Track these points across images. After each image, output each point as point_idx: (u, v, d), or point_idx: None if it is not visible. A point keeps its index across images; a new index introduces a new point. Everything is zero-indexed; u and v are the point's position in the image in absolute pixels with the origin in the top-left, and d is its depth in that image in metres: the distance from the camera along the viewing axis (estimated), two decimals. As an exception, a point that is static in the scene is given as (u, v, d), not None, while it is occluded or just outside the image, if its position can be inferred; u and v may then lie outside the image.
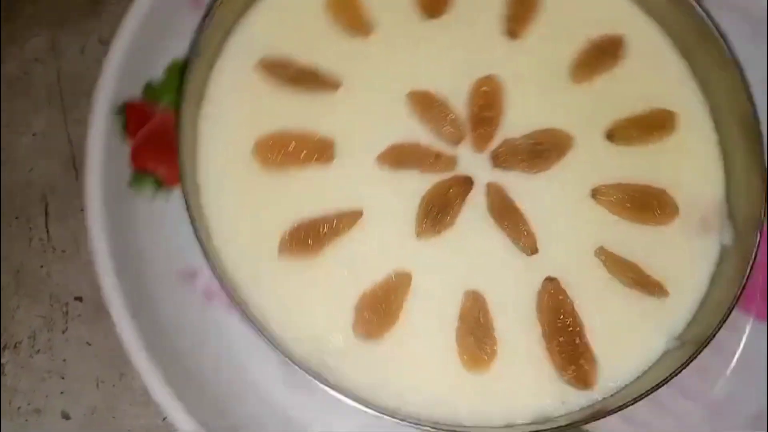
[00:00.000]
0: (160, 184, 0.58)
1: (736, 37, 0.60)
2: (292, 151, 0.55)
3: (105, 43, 0.60)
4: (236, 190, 0.55)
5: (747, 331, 0.60)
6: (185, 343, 0.55)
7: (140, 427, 0.59)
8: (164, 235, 0.57)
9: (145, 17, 0.57)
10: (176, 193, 0.58)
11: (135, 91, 0.58)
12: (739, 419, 0.58)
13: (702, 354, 0.53)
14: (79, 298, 0.60)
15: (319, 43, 0.57)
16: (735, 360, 0.59)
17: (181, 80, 0.55)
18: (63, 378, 0.60)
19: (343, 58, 0.57)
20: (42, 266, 0.61)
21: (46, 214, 0.62)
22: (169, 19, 0.59)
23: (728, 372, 0.59)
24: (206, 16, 0.57)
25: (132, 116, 0.58)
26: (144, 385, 0.52)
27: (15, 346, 0.60)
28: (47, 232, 0.62)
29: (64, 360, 0.60)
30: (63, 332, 0.60)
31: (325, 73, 0.57)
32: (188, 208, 0.52)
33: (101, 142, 0.56)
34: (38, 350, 0.60)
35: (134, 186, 0.58)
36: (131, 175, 0.58)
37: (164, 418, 0.58)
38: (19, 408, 0.59)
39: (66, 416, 0.59)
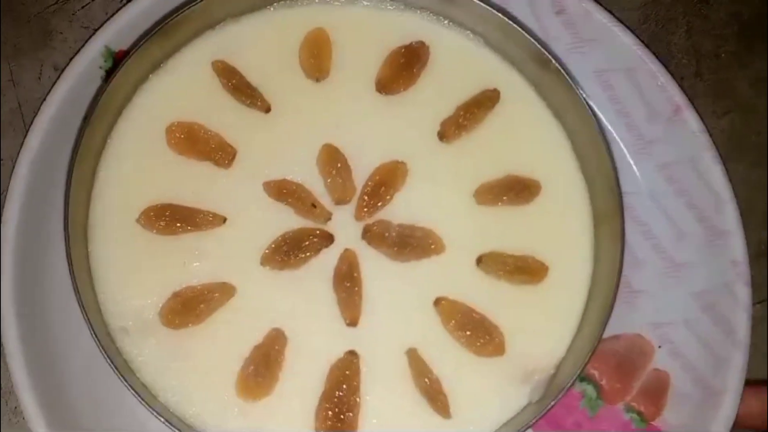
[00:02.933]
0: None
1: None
2: (200, 142, 0.60)
3: (59, 69, 0.67)
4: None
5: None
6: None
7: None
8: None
9: None
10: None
11: None
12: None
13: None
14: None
15: (273, 69, 0.62)
16: None
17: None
18: None
19: (286, 89, 0.62)
20: None
21: None
22: None
23: None
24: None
25: None
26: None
27: None
28: None
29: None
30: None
31: (263, 95, 0.62)
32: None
33: None
34: None
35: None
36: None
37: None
38: (15, 408, 0.66)
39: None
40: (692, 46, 0.69)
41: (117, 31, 0.65)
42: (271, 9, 0.63)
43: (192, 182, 0.60)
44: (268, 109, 0.62)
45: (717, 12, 0.74)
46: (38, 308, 0.62)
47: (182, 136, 0.60)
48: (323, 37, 0.63)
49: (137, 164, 0.60)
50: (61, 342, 0.62)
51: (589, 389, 0.65)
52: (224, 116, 0.61)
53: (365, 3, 0.64)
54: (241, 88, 0.62)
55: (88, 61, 0.65)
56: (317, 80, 0.62)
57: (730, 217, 0.65)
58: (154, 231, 0.59)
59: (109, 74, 0.64)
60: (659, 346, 0.65)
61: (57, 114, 0.63)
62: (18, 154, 0.62)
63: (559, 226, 0.61)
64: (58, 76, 0.64)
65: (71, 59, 0.64)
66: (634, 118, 0.68)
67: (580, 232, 0.61)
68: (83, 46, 0.65)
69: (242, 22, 0.63)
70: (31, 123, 0.63)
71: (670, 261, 0.67)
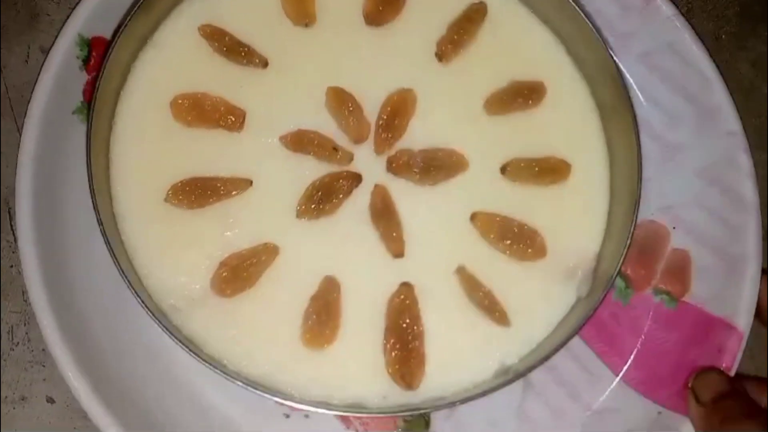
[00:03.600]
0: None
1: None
2: (207, 110, 0.59)
3: (46, 51, 0.65)
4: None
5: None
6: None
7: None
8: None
9: None
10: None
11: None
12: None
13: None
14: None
15: (260, 23, 0.62)
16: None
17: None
18: (44, 366, 0.64)
19: (278, 41, 0.62)
20: (11, 266, 0.66)
21: (10, 217, 0.66)
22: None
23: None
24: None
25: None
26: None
27: None
28: (13, 233, 0.66)
29: (43, 349, 0.64)
30: (38, 324, 0.61)
31: (257, 51, 0.61)
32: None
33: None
34: (17, 343, 0.65)
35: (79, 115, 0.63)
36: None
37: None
38: (6, 397, 0.64)
39: (50, 400, 0.64)
40: (693, 27, 0.67)
41: (88, 18, 0.63)
42: (245, -37, 0.63)
43: (208, 152, 0.59)
44: (265, 64, 0.61)
45: None
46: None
47: (188, 108, 0.59)
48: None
49: (150, 145, 0.59)
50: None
51: (618, 281, 0.67)
52: (223, 80, 0.61)
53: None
54: (233, 48, 0.61)
55: (64, 51, 0.62)
56: (306, 26, 0.62)
57: (718, 93, 0.67)
58: (185, 207, 0.58)
59: (86, 62, 0.63)
60: (673, 228, 0.67)
61: (46, 107, 0.61)
62: (17, 155, 0.60)
63: (571, 124, 0.63)
64: (39, 70, 0.62)
65: (48, 50, 0.62)
66: (607, 15, 0.69)
67: (592, 128, 0.63)
68: (56, 38, 0.62)
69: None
70: (23, 121, 0.60)
71: (667, 145, 0.68)
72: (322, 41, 0.62)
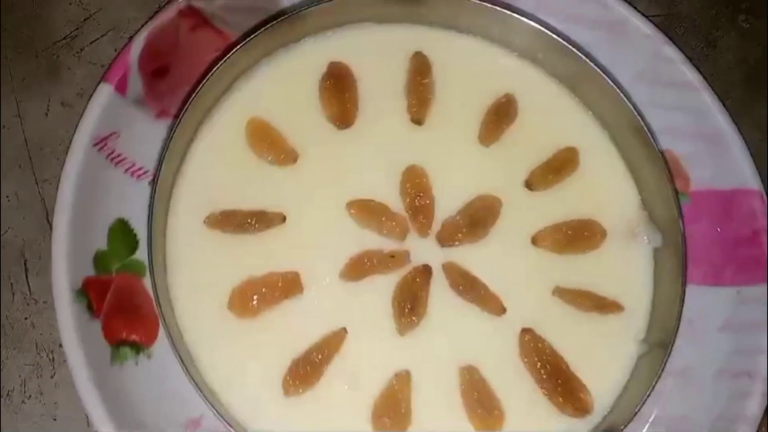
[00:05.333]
0: (139, 348, 0.61)
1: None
2: (265, 294, 0.59)
3: (66, 105, 0.68)
4: (221, 343, 0.59)
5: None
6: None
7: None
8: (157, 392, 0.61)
9: (76, 189, 0.61)
10: (157, 351, 0.61)
11: (87, 267, 0.61)
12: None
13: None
14: (63, 345, 0.62)
15: (254, 183, 0.62)
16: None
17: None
18: (55, 420, 0.63)
19: (280, 189, 0.62)
20: (26, 318, 0.65)
21: (26, 269, 0.66)
22: (99, 183, 0.62)
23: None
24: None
25: (92, 293, 0.61)
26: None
27: (8, 395, 0.63)
28: (28, 286, 0.66)
29: (55, 403, 0.64)
30: (51, 377, 0.64)
31: (269, 210, 0.61)
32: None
33: (73, 327, 0.59)
34: (30, 396, 0.64)
35: (116, 360, 0.60)
36: (110, 352, 0.60)
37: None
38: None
39: (63, 455, 0.63)
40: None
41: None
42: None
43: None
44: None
45: (724, 56, 0.77)
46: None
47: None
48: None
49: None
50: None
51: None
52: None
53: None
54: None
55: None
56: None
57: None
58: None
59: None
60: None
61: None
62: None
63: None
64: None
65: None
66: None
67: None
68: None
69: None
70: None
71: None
72: (314, 167, 0.63)
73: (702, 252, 0.68)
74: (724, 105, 0.69)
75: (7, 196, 0.67)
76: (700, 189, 0.70)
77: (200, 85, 0.59)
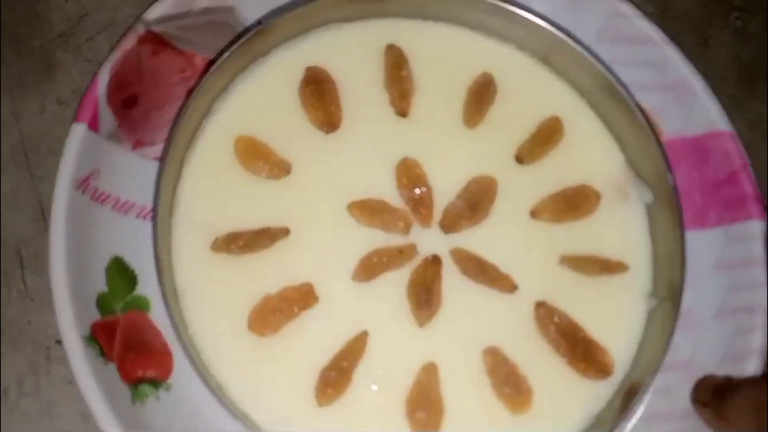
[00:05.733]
0: (157, 383, 0.60)
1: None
2: (283, 309, 0.59)
3: (62, 102, 0.68)
4: (246, 364, 0.59)
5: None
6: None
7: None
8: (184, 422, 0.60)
9: (66, 236, 0.59)
10: (175, 383, 0.61)
11: (92, 312, 0.60)
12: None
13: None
14: (59, 342, 0.62)
15: (252, 201, 0.61)
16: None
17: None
18: (51, 417, 0.63)
19: (279, 202, 0.61)
20: (22, 315, 0.65)
21: (22, 266, 0.66)
22: (87, 225, 0.61)
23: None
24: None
25: (101, 337, 0.59)
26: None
27: (4, 392, 0.63)
28: (24, 283, 0.65)
29: (51, 399, 0.63)
30: (47, 374, 0.64)
31: (272, 225, 0.61)
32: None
33: (90, 375, 0.57)
34: (26, 393, 0.64)
35: (137, 399, 0.59)
36: (130, 393, 0.59)
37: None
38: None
39: (58, 452, 0.64)
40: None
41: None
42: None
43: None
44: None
45: (717, 54, 0.77)
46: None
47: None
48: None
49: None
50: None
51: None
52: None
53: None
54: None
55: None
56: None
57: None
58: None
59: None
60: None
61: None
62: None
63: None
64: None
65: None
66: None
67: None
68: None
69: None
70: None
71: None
72: (308, 175, 0.63)
73: (684, 199, 0.68)
74: (716, 97, 0.69)
75: (4, 194, 0.66)
76: (673, 138, 0.71)
77: (179, 118, 0.59)
